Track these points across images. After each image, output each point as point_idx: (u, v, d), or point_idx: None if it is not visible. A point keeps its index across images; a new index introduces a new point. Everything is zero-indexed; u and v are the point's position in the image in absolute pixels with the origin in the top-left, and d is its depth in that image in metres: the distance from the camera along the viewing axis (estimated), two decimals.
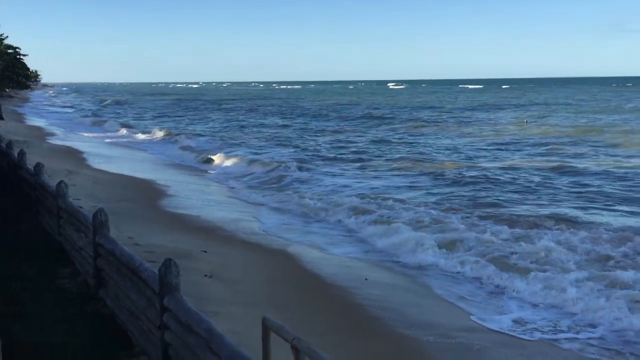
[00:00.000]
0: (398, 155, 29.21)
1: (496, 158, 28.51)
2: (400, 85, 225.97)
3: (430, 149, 32.34)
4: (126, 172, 23.10)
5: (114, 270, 7.38)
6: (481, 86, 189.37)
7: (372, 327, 8.83)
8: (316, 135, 40.74)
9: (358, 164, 26.61)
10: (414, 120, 51.36)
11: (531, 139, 35.83)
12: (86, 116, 61.73)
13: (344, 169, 25.38)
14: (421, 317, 9.28)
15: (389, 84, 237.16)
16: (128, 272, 6.74)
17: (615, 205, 17.44)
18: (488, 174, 22.92)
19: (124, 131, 44.46)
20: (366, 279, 11.10)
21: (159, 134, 40.85)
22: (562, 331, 8.82)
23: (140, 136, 41.06)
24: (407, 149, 31.82)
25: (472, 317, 9.39)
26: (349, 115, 59.86)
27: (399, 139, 37.70)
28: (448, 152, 30.82)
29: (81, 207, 12.43)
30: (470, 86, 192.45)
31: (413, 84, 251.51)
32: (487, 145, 33.49)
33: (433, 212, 16.38)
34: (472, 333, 8.69)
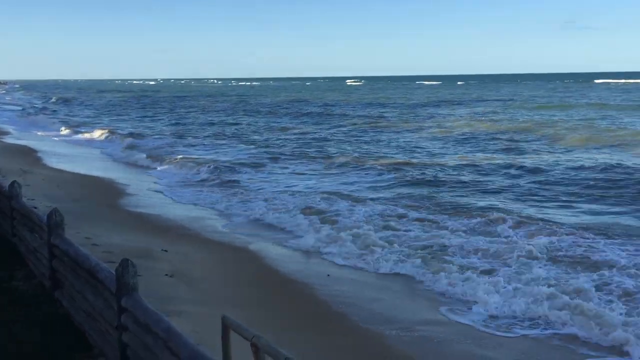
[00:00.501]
0: (340, 152, 28.94)
1: (442, 153, 28.77)
2: (359, 81, 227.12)
3: (378, 145, 32.22)
4: (82, 171, 22.63)
5: (69, 271, 7.21)
6: (439, 82, 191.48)
7: (335, 322, 8.85)
8: (265, 132, 40.33)
9: (304, 162, 26.43)
10: (365, 117, 51.27)
11: (481, 134, 36.07)
12: (30, 114, 59.83)
13: (292, 167, 25.19)
14: (385, 311, 9.34)
15: (347, 81, 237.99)
16: (84, 273, 6.60)
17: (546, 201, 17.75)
18: (433, 170, 23.14)
19: (66, 130, 43.07)
20: (328, 275, 11.11)
21: (100, 132, 39.62)
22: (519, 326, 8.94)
23: (83, 135, 39.68)
24: (354, 146, 31.62)
25: (433, 310, 9.50)
26: (299, 112, 59.61)
27: (347, 136, 37.39)
28: (396, 148, 30.84)
29: (36, 208, 12.15)
30: (426, 82, 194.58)
31: (371, 81, 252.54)
32: (434, 141, 33.75)
33: (379, 207, 16.48)
34: (434, 326, 8.79)
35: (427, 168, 23.64)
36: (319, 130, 41.07)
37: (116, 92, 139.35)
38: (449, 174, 22.21)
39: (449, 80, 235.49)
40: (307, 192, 19.14)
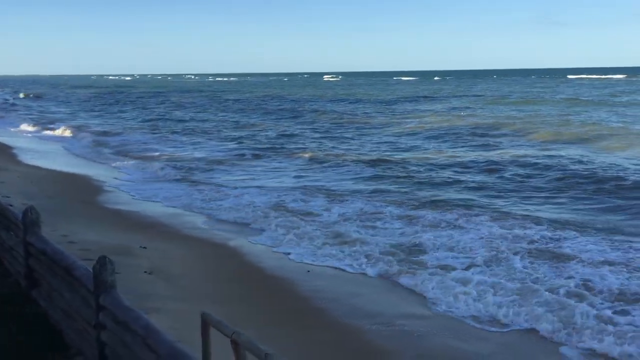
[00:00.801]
0: (315, 148, 28.86)
1: (417, 147, 28.89)
2: (336, 77, 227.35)
3: (347, 142, 32.19)
4: (57, 168, 22.32)
5: (46, 269, 7.12)
6: (416, 78, 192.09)
7: (316, 317, 8.86)
8: (238, 129, 40.05)
9: (278, 158, 26.35)
10: (337, 113, 51.06)
11: (454, 129, 36.17)
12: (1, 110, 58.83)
13: (266, 164, 25.05)
14: (365, 306, 9.36)
15: (324, 77, 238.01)
16: (61, 271, 6.51)
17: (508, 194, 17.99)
18: (410, 165, 23.25)
19: (35, 127, 42.25)
20: (308, 271, 11.11)
21: (66, 129, 38.82)
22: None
23: (53, 132, 38.93)
24: (330, 143, 31.47)
25: (413, 304, 9.55)
26: (271, 108, 59.34)
27: (319, 132, 37.26)
28: (369, 144, 30.85)
29: (11, 205, 11.96)
30: (404, 78, 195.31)
31: (349, 76, 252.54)
32: (406, 136, 33.86)
33: (356, 204, 16.54)
34: (414, 320, 8.84)
35: (401, 164, 23.73)
36: (292, 126, 41.00)
37: (91, 87, 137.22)
38: (425, 169, 22.34)
39: (426, 75, 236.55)
40: (281, 189, 19.09)
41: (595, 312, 8.86)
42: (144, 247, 11.86)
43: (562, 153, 25.24)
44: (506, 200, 17.19)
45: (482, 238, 12.83)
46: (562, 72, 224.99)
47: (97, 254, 7.15)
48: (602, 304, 9.22)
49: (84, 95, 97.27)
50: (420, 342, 8.13)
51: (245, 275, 10.80)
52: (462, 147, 28.88)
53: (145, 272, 10.32)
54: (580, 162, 22.72)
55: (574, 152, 25.74)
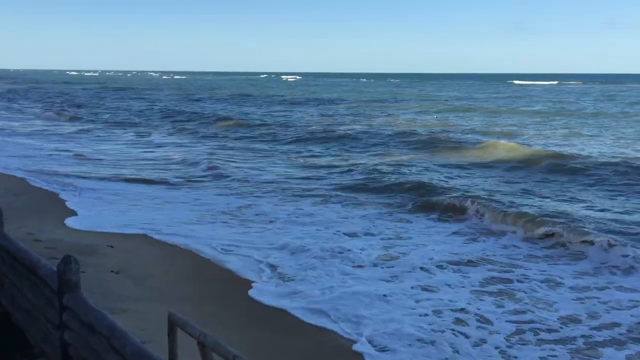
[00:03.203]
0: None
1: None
2: (296, 77, 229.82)
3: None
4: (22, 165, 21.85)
5: (9, 268, 6.94)
6: (373, 80, 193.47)
7: (281, 318, 8.80)
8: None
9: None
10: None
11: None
12: None
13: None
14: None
15: (283, 76, 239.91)
16: (24, 270, 6.36)
17: None
18: None
19: None
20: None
21: None
22: None
23: None
24: None
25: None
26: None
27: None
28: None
29: None
30: (363, 80, 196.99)
31: (309, 77, 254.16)
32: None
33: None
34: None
35: None
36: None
37: (17, 82, 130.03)
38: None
39: (382, 77, 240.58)
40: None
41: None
42: (111, 246, 11.69)
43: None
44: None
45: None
46: (508, 77, 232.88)
47: (63, 253, 7.01)
48: None
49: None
50: None
51: (213, 275, 10.69)
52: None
53: (112, 271, 10.18)
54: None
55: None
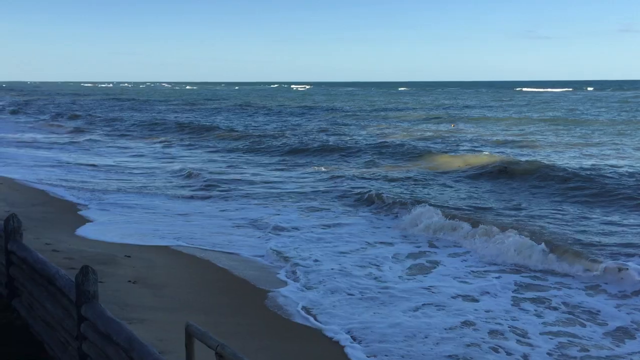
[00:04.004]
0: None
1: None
2: (306, 86, 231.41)
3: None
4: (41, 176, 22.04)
5: (28, 279, 6.96)
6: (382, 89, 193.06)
7: (301, 329, 8.74)
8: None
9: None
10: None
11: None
12: None
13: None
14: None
15: (292, 86, 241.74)
16: (43, 280, 6.37)
17: None
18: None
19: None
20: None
21: None
22: None
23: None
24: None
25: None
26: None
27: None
28: None
29: None
30: (372, 88, 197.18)
31: (320, 85, 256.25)
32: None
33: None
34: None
35: None
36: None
37: (26, 94, 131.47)
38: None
39: (393, 86, 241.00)
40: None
41: None
42: (128, 256, 11.70)
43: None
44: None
45: None
46: (514, 85, 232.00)
47: (81, 263, 7.02)
48: None
49: None
50: None
51: (231, 285, 10.66)
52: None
53: (129, 281, 10.18)
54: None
55: None
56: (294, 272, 11.35)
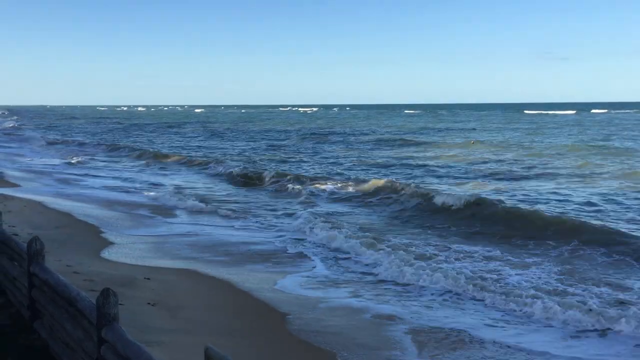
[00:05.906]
0: None
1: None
2: (313, 108, 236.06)
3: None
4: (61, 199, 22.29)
5: (49, 301, 7.02)
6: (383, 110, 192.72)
7: (320, 352, 8.65)
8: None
9: None
10: None
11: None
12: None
13: None
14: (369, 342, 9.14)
15: (300, 109, 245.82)
16: (64, 302, 6.42)
17: None
18: None
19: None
20: (319, 306, 10.83)
21: None
22: None
23: None
24: None
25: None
26: None
27: None
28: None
29: (16, 235, 11.92)
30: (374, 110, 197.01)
31: (328, 108, 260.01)
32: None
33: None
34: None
35: None
36: None
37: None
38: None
39: (403, 107, 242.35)
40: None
41: None
42: (148, 279, 11.75)
43: None
44: None
45: None
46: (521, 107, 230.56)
47: (102, 285, 7.05)
48: None
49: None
50: None
51: (251, 308, 10.61)
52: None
53: (148, 303, 10.20)
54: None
55: None
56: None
